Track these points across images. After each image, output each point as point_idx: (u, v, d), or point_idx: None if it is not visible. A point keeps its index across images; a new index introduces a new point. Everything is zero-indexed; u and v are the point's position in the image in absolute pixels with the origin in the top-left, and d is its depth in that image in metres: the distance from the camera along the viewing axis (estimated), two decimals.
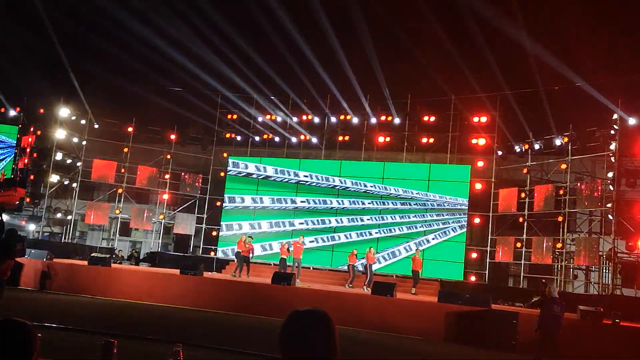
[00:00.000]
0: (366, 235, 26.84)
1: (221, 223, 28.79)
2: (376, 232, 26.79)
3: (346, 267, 23.32)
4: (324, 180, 27.78)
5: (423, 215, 26.30)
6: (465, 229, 25.72)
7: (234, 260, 23.55)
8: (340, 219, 27.40)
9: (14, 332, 2.35)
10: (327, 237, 27.33)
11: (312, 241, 26.89)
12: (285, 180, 28.29)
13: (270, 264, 25.74)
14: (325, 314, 2.30)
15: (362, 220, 27.11)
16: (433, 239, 25.94)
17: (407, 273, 23.57)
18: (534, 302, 13.39)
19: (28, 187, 28.60)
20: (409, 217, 26.48)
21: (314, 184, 27.88)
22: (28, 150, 27.71)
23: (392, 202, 26.85)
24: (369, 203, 27.14)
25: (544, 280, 22.93)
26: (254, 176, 28.72)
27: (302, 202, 27.92)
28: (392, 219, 26.75)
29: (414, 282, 22.20)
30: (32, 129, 27.94)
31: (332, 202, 27.57)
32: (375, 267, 23.36)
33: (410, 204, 26.56)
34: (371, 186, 27.20)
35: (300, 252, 22.81)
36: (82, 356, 9.58)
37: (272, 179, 28.47)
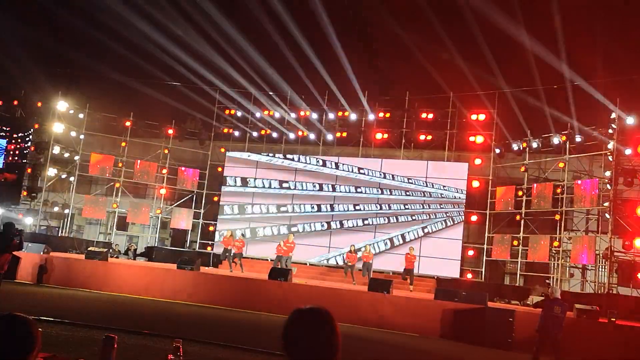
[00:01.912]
0: (362, 225, 26.97)
1: (218, 218, 28.84)
2: (368, 222, 26.90)
3: (344, 266, 23.40)
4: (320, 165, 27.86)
5: (420, 205, 26.40)
6: (458, 222, 25.71)
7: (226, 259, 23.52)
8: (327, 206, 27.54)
9: (15, 327, 2.35)
10: (321, 223, 27.43)
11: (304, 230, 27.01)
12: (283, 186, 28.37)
13: (267, 260, 25.75)
14: (327, 311, 2.30)
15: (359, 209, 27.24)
16: (418, 232, 26.04)
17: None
18: (536, 303, 13.34)
19: (25, 181, 28.57)
20: (405, 207, 26.59)
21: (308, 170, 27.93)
22: (11, 153, 28.02)
23: (388, 191, 26.92)
24: (362, 191, 27.25)
25: (547, 281, 23.03)
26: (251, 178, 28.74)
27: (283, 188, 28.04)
28: (388, 209, 26.85)
29: (410, 279, 22.17)
30: (13, 140, 28.29)
31: (328, 188, 27.70)
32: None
33: (407, 194, 26.68)
34: (366, 173, 27.35)
35: (289, 251, 22.86)
36: (79, 350, 9.57)
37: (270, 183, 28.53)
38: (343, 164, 27.72)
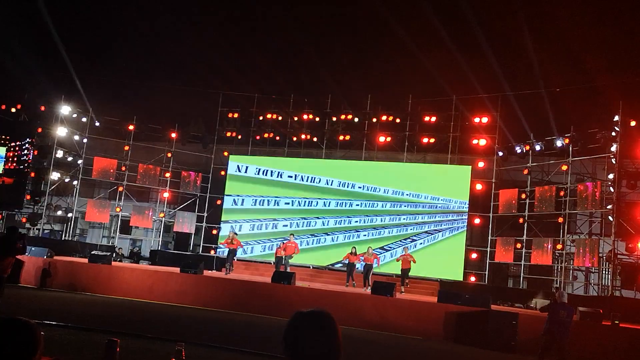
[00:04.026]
0: (354, 238, 26.79)
1: (221, 221, 28.81)
2: (364, 235, 26.78)
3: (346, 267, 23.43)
4: (314, 181, 27.80)
5: (415, 217, 26.33)
6: (461, 231, 25.63)
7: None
8: (327, 221, 27.41)
9: (17, 331, 2.36)
10: (314, 239, 27.34)
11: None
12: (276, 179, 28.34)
13: (270, 263, 25.75)
14: (328, 314, 2.31)
15: (349, 222, 27.13)
16: (421, 243, 25.96)
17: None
18: (542, 307, 13.34)
19: (28, 185, 28.62)
20: (399, 219, 26.55)
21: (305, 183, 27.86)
22: (10, 159, 28.12)
23: (383, 204, 26.84)
24: (356, 205, 27.18)
25: (555, 285, 23.03)
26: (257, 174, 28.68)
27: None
28: (382, 221, 26.80)
29: (402, 280, 22.22)
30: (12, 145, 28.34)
31: (318, 203, 27.60)
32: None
33: (402, 206, 26.59)
34: (359, 187, 27.24)
35: (291, 252, 22.85)
36: (81, 353, 9.59)
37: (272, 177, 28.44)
38: (334, 181, 27.63)
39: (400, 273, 22.57)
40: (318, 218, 27.44)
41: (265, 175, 28.58)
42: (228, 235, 23.71)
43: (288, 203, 28.00)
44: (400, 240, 26.10)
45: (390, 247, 26.09)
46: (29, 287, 20.02)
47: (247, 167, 28.92)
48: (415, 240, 25.98)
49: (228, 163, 29.32)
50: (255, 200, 28.48)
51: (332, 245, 26.97)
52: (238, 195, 28.77)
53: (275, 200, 28.15)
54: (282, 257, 22.88)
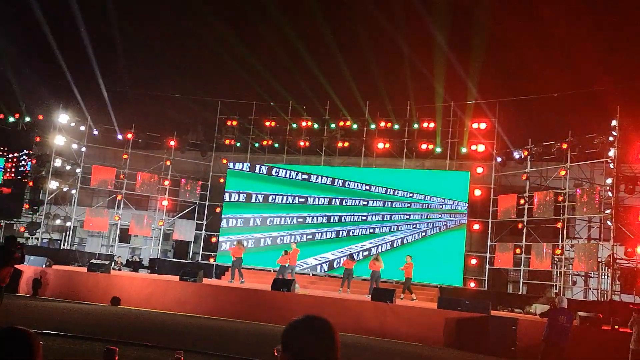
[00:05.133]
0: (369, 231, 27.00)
1: (222, 217, 28.84)
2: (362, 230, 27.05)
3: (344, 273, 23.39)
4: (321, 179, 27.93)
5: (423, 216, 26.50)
6: (463, 224, 25.71)
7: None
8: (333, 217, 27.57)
9: (16, 340, 2.36)
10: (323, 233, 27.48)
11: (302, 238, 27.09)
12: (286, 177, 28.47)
13: (270, 270, 25.71)
14: (325, 320, 2.31)
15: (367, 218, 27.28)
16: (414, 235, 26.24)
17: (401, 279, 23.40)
18: (542, 312, 13.34)
19: (27, 194, 28.60)
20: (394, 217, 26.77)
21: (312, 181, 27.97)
22: (8, 170, 28.14)
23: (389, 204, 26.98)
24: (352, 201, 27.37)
25: (555, 291, 23.02)
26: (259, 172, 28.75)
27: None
28: (377, 218, 27.00)
29: (407, 288, 22.18)
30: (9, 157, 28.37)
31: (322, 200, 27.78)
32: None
33: (402, 204, 26.72)
34: (362, 186, 27.40)
35: (295, 259, 22.79)
36: None
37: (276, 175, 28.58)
38: (348, 182, 27.71)
39: (403, 280, 22.54)
40: (340, 216, 27.60)
41: (270, 174, 28.69)
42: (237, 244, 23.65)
43: (297, 201, 28.18)
44: (415, 235, 26.37)
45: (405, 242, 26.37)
46: (28, 296, 19.98)
47: (249, 169, 29.01)
48: (427, 235, 26.19)
49: (227, 171, 29.33)
50: (260, 199, 28.58)
51: (351, 238, 27.18)
52: (240, 196, 28.82)
53: (285, 198, 28.31)
54: (286, 265, 22.72)
